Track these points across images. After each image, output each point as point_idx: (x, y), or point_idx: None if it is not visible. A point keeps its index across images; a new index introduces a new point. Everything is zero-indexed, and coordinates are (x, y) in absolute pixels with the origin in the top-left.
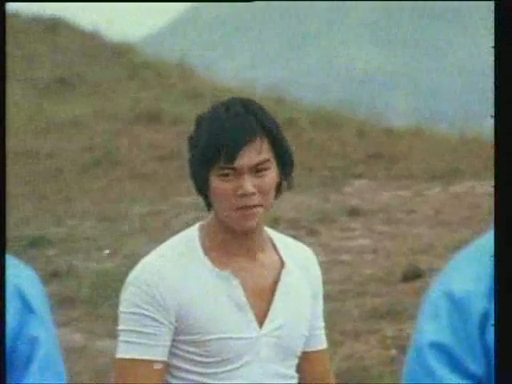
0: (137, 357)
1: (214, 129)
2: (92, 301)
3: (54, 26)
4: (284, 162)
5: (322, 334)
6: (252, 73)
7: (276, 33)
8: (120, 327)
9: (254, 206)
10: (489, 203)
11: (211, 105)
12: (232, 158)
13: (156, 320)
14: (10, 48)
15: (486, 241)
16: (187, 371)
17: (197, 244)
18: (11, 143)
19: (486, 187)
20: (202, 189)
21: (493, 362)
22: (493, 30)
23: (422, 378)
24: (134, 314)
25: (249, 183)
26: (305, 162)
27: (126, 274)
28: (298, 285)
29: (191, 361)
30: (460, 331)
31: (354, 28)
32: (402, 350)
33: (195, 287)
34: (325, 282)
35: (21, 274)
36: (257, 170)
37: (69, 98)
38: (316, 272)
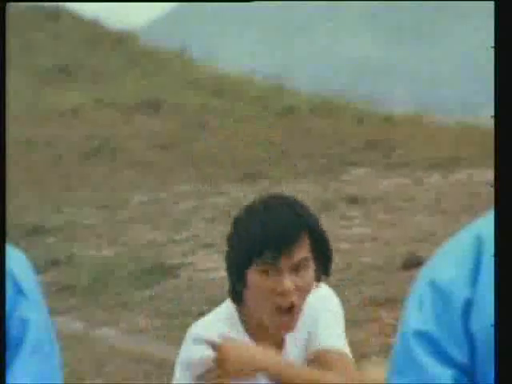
0: None
1: (258, 226)
2: (91, 289)
3: (56, 14)
4: (325, 258)
5: (326, 343)
6: (252, 61)
7: (276, 22)
8: None
9: (292, 307)
10: (488, 191)
11: (254, 200)
12: (277, 256)
13: None
14: (10, 36)
15: (473, 227)
16: None
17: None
18: (11, 131)
19: (485, 175)
20: (238, 284)
21: (477, 350)
22: (490, 23)
23: (407, 366)
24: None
25: (289, 281)
26: (304, 150)
27: (124, 262)
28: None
29: None
30: (443, 320)
31: (353, 17)
32: None
33: None
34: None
35: (12, 257)
36: (297, 268)
37: (69, 87)
38: (321, 309)
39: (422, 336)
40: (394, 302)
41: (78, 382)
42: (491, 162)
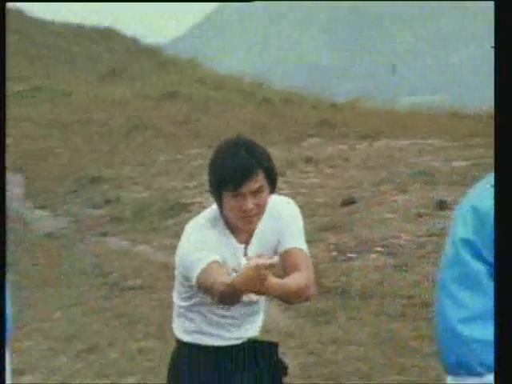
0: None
1: (226, 165)
2: (133, 219)
3: (108, 33)
4: (273, 183)
5: (293, 244)
6: (242, 65)
7: (261, 34)
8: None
9: (253, 216)
10: (399, 153)
11: (223, 142)
12: (238, 187)
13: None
14: (79, 49)
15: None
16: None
17: (222, 224)
18: (79, 115)
19: (397, 143)
20: (217, 201)
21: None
22: (426, 27)
23: (455, 262)
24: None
25: (249, 203)
26: (276, 127)
27: (155, 201)
28: (265, 229)
29: None
30: (481, 233)
31: (314, 31)
32: (342, 252)
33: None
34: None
35: None
36: (255, 193)
37: (117, 84)
38: (286, 214)
39: (466, 242)
40: (336, 227)
41: (124, 281)
42: (403, 133)
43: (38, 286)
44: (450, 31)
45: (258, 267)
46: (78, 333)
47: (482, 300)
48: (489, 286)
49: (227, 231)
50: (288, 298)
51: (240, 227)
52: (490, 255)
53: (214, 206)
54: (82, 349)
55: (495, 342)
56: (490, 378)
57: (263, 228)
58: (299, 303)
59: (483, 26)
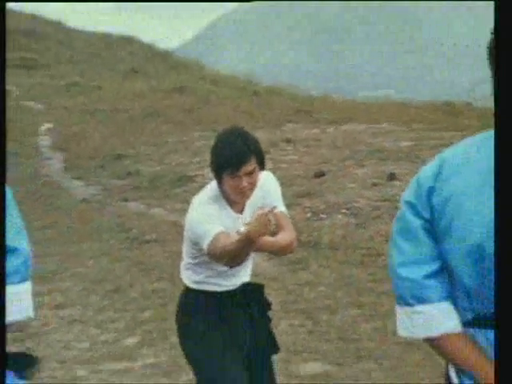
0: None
1: (225, 153)
2: (149, 188)
3: (129, 40)
4: (262, 164)
5: (276, 206)
6: (237, 66)
7: (250, 41)
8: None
9: (247, 191)
10: (359, 135)
11: (222, 132)
12: (236, 170)
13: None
14: (107, 53)
15: (442, 153)
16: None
17: (222, 198)
18: (106, 105)
19: (358, 127)
20: (218, 180)
21: (434, 212)
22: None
23: (400, 219)
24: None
25: (244, 182)
26: (262, 115)
27: (167, 174)
28: (254, 199)
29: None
30: (419, 196)
31: (297, 40)
32: (315, 214)
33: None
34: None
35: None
36: (249, 174)
37: (136, 80)
38: (269, 185)
39: (408, 203)
40: (310, 195)
41: (142, 236)
42: (362, 120)
43: (74, 240)
44: (405, 38)
45: (262, 215)
46: (106, 277)
47: (417, 249)
48: (422, 237)
49: (226, 204)
50: (278, 252)
51: (236, 200)
52: (425, 213)
53: (214, 184)
54: (109, 289)
55: (495, 343)
56: (419, 308)
57: (253, 199)
58: (284, 255)
59: (432, 33)
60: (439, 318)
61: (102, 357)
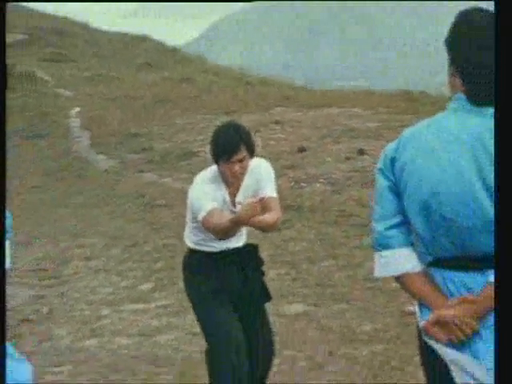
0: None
1: (220, 143)
2: (160, 161)
3: (144, 38)
4: (252, 152)
5: (269, 194)
6: (235, 61)
7: (245, 41)
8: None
9: (239, 175)
10: (335, 118)
11: (220, 125)
12: (229, 158)
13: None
14: (125, 49)
15: (403, 133)
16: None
17: (220, 179)
18: (124, 92)
19: (334, 111)
20: (216, 164)
21: (396, 174)
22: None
23: (376, 183)
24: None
25: (237, 168)
26: (255, 101)
27: (175, 150)
28: (248, 182)
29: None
30: (385, 164)
31: (280, 39)
32: (297, 183)
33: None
34: (262, 156)
35: None
36: (240, 160)
37: (150, 72)
38: (263, 173)
39: (380, 170)
40: (294, 167)
41: (153, 201)
42: (338, 105)
43: (98, 204)
44: (382, 34)
45: (252, 203)
46: (124, 234)
47: (383, 206)
48: (388, 196)
49: (223, 185)
50: (265, 228)
51: (231, 182)
52: (390, 176)
53: (215, 166)
54: (127, 244)
55: (495, 342)
56: (383, 253)
57: (247, 182)
58: (269, 231)
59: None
60: (399, 261)
61: (122, 299)
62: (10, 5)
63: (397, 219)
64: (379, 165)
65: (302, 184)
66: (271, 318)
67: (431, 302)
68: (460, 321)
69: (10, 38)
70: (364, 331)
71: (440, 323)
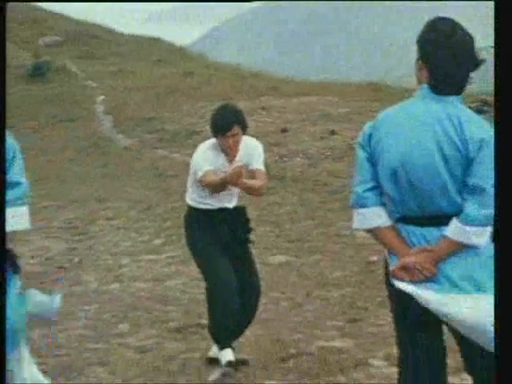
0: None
1: (218, 121)
2: (170, 140)
3: (156, 40)
4: (244, 129)
5: (257, 166)
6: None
7: (242, 43)
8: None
9: (233, 147)
10: (314, 105)
11: (218, 106)
12: (225, 133)
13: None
14: (141, 49)
15: (377, 116)
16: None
17: (219, 149)
18: (140, 84)
19: (313, 99)
20: (215, 138)
21: (371, 147)
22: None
23: (356, 154)
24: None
25: (231, 141)
26: (246, 91)
27: (182, 130)
28: (242, 154)
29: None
30: (364, 139)
31: (265, 41)
32: (281, 157)
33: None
34: (252, 135)
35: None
36: (234, 135)
37: (160, 67)
38: (254, 150)
39: (359, 143)
40: (278, 144)
41: (165, 172)
42: (316, 94)
43: (119, 176)
44: (371, 35)
45: (237, 167)
46: (141, 199)
47: (361, 174)
48: (365, 165)
49: (221, 154)
50: (251, 191)
51: (227, 152)
52: (367, 149)
53: (214, 139)
54: (143, 207)
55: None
56: (360, 211)
57: (241, 153)
58: (255, 195)
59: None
60: (373, 217)
61: (139, 251)
62: (47, 10)
63: (371, 184)
64: (359, 139)
65: (285, 158)
66: (259, 267)
67: (398, 251)
68: (420, 266)
69: (48, 39)
70: (335, 277)
71: (405, 268)
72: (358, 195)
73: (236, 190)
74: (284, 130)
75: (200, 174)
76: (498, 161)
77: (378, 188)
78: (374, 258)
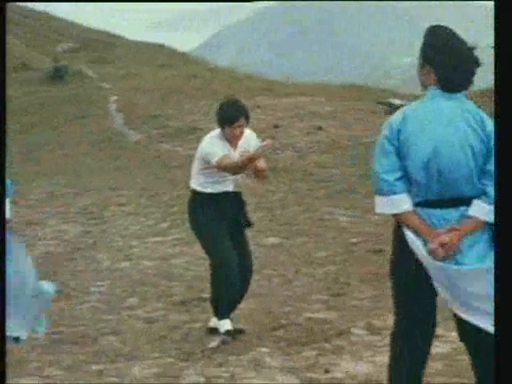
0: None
1: (225, 113)
2: (174, 135)
3: (160, 46)
4: (248, 120)
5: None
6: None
7: (240, 47)
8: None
9: (238, 136)
10: (301, 104)
11: (225, 99)
12: (232, 124)
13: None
14: (148, 55)
15: (403, 108)
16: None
17: (224, 138)
18: (146, 86)
19: (302, 99)
20: (221, 128)
21: (399, 141)
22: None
23: (380, 145)
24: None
25: (237, 131)
26: (242, 91)
27: (184, 126)
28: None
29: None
30: (391, 133)
31: (261, 45)
32: (273, 150)
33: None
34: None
35: None
36: (239, 126)
37: (165, 70)
38: (251, 139)
39: (386, 137)
40: (270, 139)
41: (170, 163)
42: (305, 94)
43: (129, 167)
44: (331, 42)
45: (255, 153)
46: (149, 187)
47: (390, 163)
48: (393, 157)
49: (226, 142)
50: (261, 173)
51: (232, 141)
52: (395, 143)
53: (218, 130)
54: (151, 194)
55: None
56: (390, 197)
57: (242, 143)
58: (261, 178)
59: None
60: (400, 203)
61: (147, 234)
62: (64, 19)
63: (400, 173)
64: (386, 133)
65: (277, 151)
66: (254, 248)
67: (423, 231)
68: (452, 243)
69: (65, 46)
70: (320, 256)
71: (442, 245)
72: (388, 183)
73: (238, 176)
74: (276, 126)
75: (216, 159)
76: (498, 161)
77: (404, 177)
78: (354, 240)
